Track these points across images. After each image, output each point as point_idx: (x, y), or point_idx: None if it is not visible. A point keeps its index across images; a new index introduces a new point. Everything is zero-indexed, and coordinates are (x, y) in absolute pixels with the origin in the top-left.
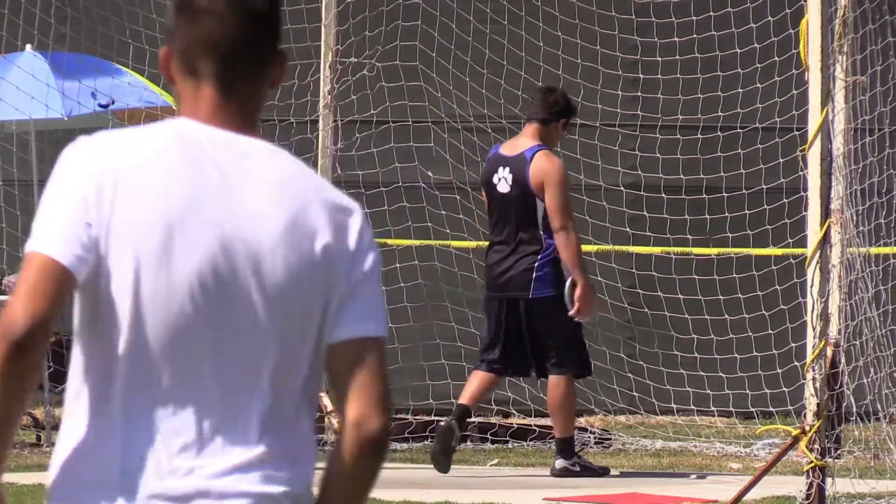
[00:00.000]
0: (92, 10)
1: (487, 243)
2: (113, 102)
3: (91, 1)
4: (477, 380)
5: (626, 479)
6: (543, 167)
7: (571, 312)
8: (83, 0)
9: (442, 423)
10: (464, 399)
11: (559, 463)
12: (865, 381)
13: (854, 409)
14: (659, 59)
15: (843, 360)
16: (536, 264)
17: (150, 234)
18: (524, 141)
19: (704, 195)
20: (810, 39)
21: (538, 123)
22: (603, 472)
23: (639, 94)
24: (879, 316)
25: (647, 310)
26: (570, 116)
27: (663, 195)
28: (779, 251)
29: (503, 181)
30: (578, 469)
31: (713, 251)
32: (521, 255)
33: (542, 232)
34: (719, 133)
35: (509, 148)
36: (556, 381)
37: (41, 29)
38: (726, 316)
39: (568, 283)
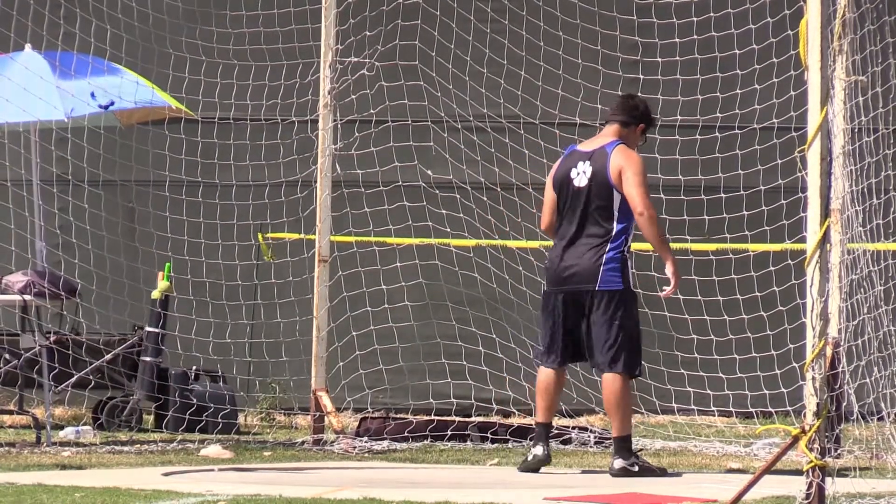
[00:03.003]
0: (101, 10)
1: (489, 242)
2: (113, 104)
3: (100, 1)
4: (548, 387)
5: (626, 478)
6: (623, 157)
7: (666, 292)
8: (92, 0)
9: (542, 456)
10: (541, 417)
11: (618, 463)
12: (868, 380)
13: (856, 409)
14: (659, 59)
15: (843, 360)
16: (605, 257)
17: None
18: (603, 138)
19: (703, 196)
20: (810, 39)
21: (618, 125)
22: (661, 472)
23: (639, 94)
24: (887, 313)
25: (646, 310)
26: (648, 124)
27: (662, 196)
28: (777, 246)
29: (582, 175)
30: (637, 469)
31: (712, 247)
32: (588, 247)
33: (616, 224)
34: (717, 134)
35: (588, 145)
36: (611, 379)
37: (49, 29)
38: (725, 317)
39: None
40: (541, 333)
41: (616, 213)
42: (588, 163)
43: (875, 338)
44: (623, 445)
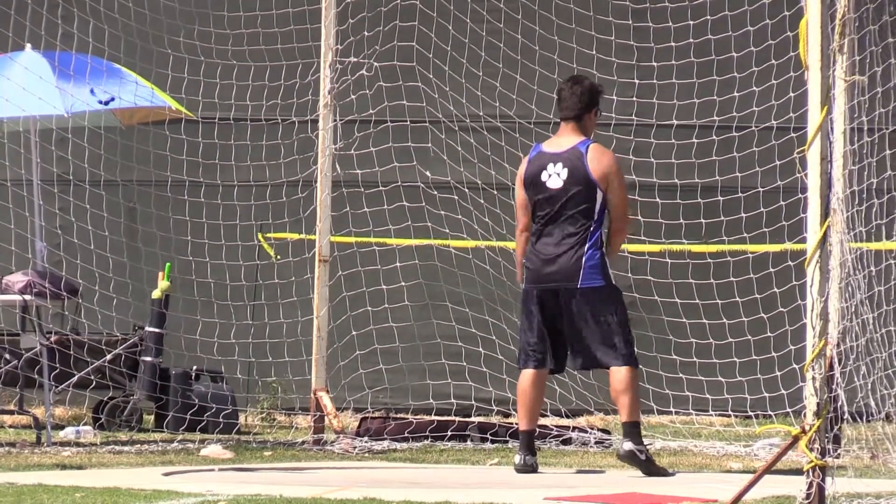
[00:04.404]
0: (99, 10)
1: (488, 243)
2: (113, 99)
3: (98, 1)
4: (528, 391)
5: (627, 479)
6: (605, 160)
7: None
8: (90, 0)
9: (519, 465)
10: (523, 425)
11: (627, 445)
12: (862, 381)
13: (845, 409)
14: (655, 63)
15: (841, 360)
16: (585, 256)
17: None
18: (568, 138)
19: (699, 199)
20: (810, 39)
21: (574, 122)
22: (664, 472)
23: (634, 98)
24: (877, 318)
25: (644, 314)
26: (598, 103)
27: (658, 200)
28: (777, 247)
29: (555, 177)
30: (644, 458)
31: (711, 248)
32: (569, 246)
33: (593, 223)
34: (714, 137)
35: (554, 146)
36: (616, 369)
37: (47, 29)
38: (724, 319)
39: None
40: (521, 335)
41: (596, 213)
42: (560, 164)
43: (871, 338)
44: (633, 430)
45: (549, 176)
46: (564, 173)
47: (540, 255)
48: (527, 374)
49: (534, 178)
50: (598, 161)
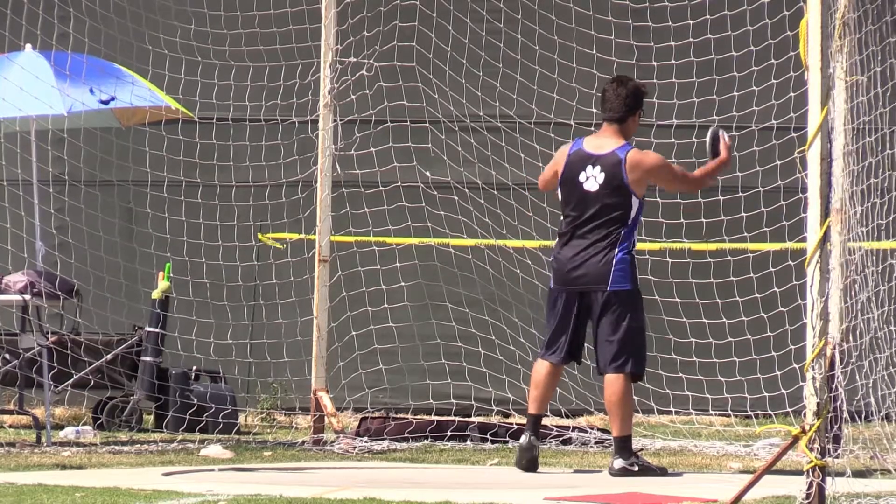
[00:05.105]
0: (95, 10)
1: (487, 242)
2: (113, 99)
3: (94, 1)
4: (543, 380)
5: (626, 478)
6: (644, 165)
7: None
8: (86, 0)
9: (524, 443)
10: (532, 408)
11: (617, 463)
12: (864, 380)
13: (844, 408)
14: (654, 63)
15: (843, 360)
16: (615, 259)
17: None
18: (609, 140)
19: (700, 198)
20: (810, 39)
21: (617, 125)
22: (662, 472)
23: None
24: (880, 316)
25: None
26: (642, 105)
27: (658, 199)
28: (777, 245)
29: (592, 179)
30: (637, 469)
31: (711, 247)
32: (598, 250)
33: (626, 228)
34: None
35: (595, 147)
36: (614, 379)
37: (44, 29)
38: (724, 319)
39: (710, 134)
40: (545, 329)
41: (630, 219)
42: (598, 167)
43: (874, 338)
44: (623, 445)
45: (587, 178)
46: (601, 177)
47: (568, 258)
48: (543, 365)
49: (571, 177)
50: (635, 168)
